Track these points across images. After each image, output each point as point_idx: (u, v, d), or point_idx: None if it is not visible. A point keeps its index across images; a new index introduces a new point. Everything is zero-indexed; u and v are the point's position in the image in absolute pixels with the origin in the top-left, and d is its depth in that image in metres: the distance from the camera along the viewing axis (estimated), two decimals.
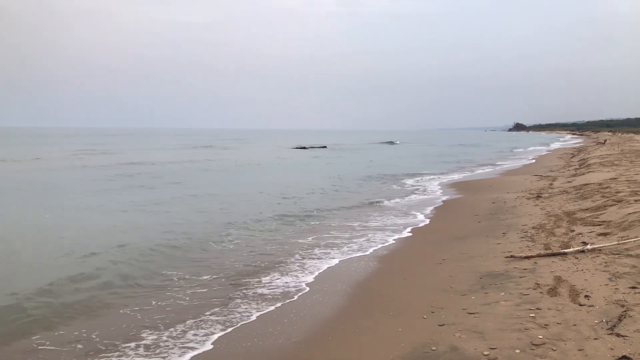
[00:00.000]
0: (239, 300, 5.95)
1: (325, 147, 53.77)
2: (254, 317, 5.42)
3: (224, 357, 4.53)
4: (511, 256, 6.83)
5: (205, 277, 6.89)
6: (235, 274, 7.05)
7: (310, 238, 9.34)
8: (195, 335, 4.99)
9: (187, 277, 6.90)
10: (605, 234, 7.45)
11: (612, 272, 5.58)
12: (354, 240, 9.13)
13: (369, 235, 9.55)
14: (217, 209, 12.44)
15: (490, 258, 6.99)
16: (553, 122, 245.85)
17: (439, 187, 17.66)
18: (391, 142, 71.14)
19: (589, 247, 6.69)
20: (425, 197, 15.13)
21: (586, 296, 4.96)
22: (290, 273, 7.06)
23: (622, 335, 3.99)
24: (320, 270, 7.16)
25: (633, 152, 25.45)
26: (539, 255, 6.64)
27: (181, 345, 4.76)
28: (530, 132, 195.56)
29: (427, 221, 10.93)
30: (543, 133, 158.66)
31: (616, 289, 5.04)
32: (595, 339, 4.01)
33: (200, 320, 5.34)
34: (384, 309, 5.43)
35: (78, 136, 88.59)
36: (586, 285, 5.26)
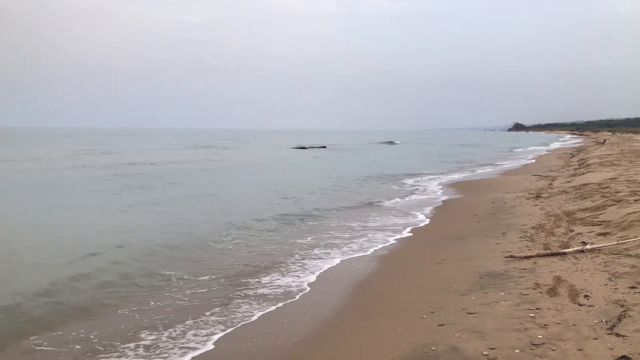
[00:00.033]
0: (239, 300, 5.95)
1: (324, 147, 53.77)
2: (255, 318, 5.41)
3: (226, 357, 4.53)
4: (511, 256, 6.84)
5: (205, 277, 6.89)
6: (235, 274, 7.05)
7: (309, 238, 9.34)
8: (195, 335, 4.98)
9: (186, 277, 6.90)
10: (604, 234, 7.46)
11: (611, 272, 5.58)
12: (354, 240, 9.13)
13: (369, 235, 9.55)
14: (216, 209, 12.44)
15: (489, 258, 6.99)
16: (553, 122, 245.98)
17: (439, 187, 17.67)
18: (391, 142, 71.16)
19: (588, 247, 6.69)
20: (425, 197, 15.14)
21: (586, 296, 4.96)
22: (291, 273, 7.06)
23: (621, 335, 4.00)
24: (321, 271, 7.16)
25: (632, 152, 25.46)
26: (539, 255, 6.65)
27: (181, 346, 4.76)
28: (529, 132, 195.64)
29: (427, 221, 10.93)
30: (542, 133, 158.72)
31: (616, 288, 5.04)
32: (595, 338, 4.01)
33: (201, 321, 5.34)
34: (384, 309, 5.43)
35: (78, 136, 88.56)
36: (586, 285, 5.26)
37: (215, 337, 4.92)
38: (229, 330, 5.09)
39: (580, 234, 7.74)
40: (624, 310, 4.43)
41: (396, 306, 5.46)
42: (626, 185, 11.68)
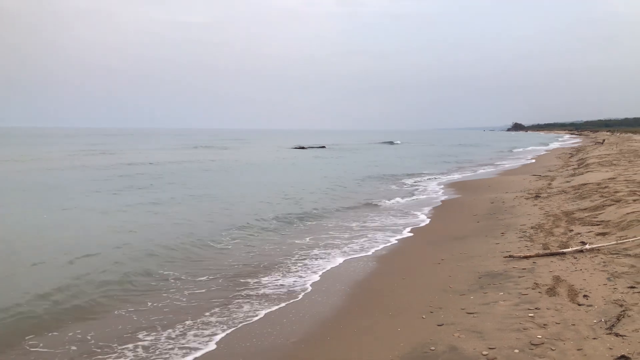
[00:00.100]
0: (239, 301, 5.95)
1: (324, 147, 53.75)
2: (257, 318, 5.41)
3: (228, 358, 4.52)
4: (510, 256, 6.84)
5: (205, 278, 6.89)
6: (235, 274, 7.04)
7: (309, 238, 9.35)
8: (196, 335, 4.96)
9: (186, 277, 6.90)
10: (603, 234, 7.47)
11: (610, 271, 5.59)
12: (354, 240, 9.14)
13: (369, 235, 9.55)
14: (216, 209, 12.44)
15: (489, 258, 7.00)
16: (552, 122, 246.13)
17: (438, 187, 17.68)
18: (391, 142, 71.15)
19: (587, 246, 6.70)
20: (424, 197, 15.15)
21: (585, 296, 4.97)
22: (292, 273, 7.06)
23: (620, 335, 4.00)
24: (322, 271, 7.15)
25: (631, 152, 25.49)
26: (538, 255, 6.66)
27: (181, 346, 4.74)
28: (528, 132, 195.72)
29: (427, 221, 10.94)
30: (542, 133, 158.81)
31: (615, 288, 5.05)
32: (594, 338, 4.01)
33: (201, 321, 5.33)
34: (384, 309, 5.43)
35: (78, 136, 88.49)
36: (585, 285, 5.27)
37: (217, 337, 4.91)
38: (229, 331, 5.08)
39: (579, 233, 7.74)
40: (623, 310, 4.44)
41: (396, 306, 5.46)
42: (625, 185, 11.69)
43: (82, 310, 5.69)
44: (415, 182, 19.67)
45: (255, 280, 6.76)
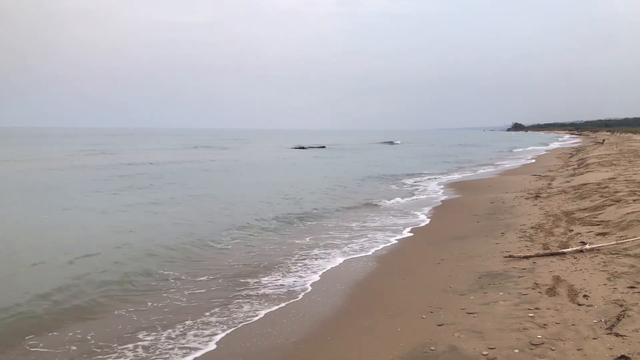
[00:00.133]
0: (240, 301, 5.94)
1: (324, 147, 53.74)
2: (257, 318, 5.40)
3: (228, 358, 4.52)
4: (510, 256, 6.85)
5: (205, 278, 6.89)
6: (235, 274, 7.04)
7: (308, 239, 9.34)
8: (196, 335, 4.96)
9: (186, 277, 6.90)
10: (603, 234, 7.47)
11: (610, 271, 5.59)
12: (354, 240, 9.14)
13: (369, 235, 9.56)
14: (216, 209, 12.44)
15: (489, 258, 7.00)
16: (552, 122, 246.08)
17: (438, 187, 17.68)
18: (391, 142, 71.13)
19: (587, 246, 6.70)
20: (424, 197, 15.15)
21: (585, 296, 4.97)
22: (292, 273, 7.06)
23: (620, 335, 4.00)
24: (323, 271, 7.16)
25: (631, 152, 25.50)
26: (538, 255, 6.66)
27: (182, 346, 4.74)
28: (528, 132, 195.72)
29: (427, 221, 10.94)
30: (542, 133, 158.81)
31: (615, 288, 5.05)
32: (594, 338, 4.02)
33: (201, 321, 5.32)
34: (384, 309, 5.43)
35: (77, 136, 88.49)
36: (585, 285, 5.27)
37: (217, 337, 4.91)
38: (229, 331, 5.08)
39: (579, 233, 7.74)
40: (623, 310, 4.44)
41: (396, 306, 5.46)
42: (625, 185, 11.70)
43: (82, 310, 5.68)
44: (415, 182, 19.67)
45: (256, 280, 6.76)
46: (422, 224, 10.65)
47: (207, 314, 5.54)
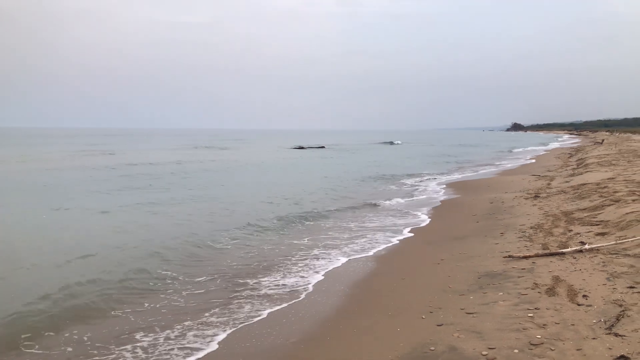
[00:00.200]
0: (242, 301, 5.93)
1: (323, 147, 53.72)
2: (259, 318, 5.39)
3: (230, 358, 4.51)
4: (509, 256, 6.85)
5: (205, 278, 6.88)
6: (237, 274, 7.03)
7: (308, 239, 9.34)
8: (197, 336, 4.94)
9: (186, 278, 6.88)
10: (603, 234, 7.47)
11: (610, 271, 5.60)
12: (354, 240, 9.13)
13: (369, 236, 9.56)
14: (216, 210, 12.44)
15: (488, 258, 7.00)
16: (551, 122, 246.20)
17: (438, 187, 17.69)
18: (391, 143, 71.09)
19: (587, 246, 6.70)
20: (424, 197, 15.15)
21: (584, 296, 4.97)
22: (293, 274, 7.05)
23: (620, 335, 4.01)
24: (322, 272, 7.15)
25: (630, 152, 25.52)
26: (537, 255, 6.66)
27: (182, 347, 4.72)
28: (528, 132, 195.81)
29: (426, 221, 10.95)
30: (541, 133, 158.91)
31: (614, 288, 5.05)
32: (594, 338, 4.02)
33: (203, 322, 5.31)
34: (383, 309, 5.44)
35: (77, 136, 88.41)
36: (584, 285, 5.28)
37: (219, 337, 4.90)
38: (229, 331, 5.07)
39: (578, 233, 7.75)
40: (623, 310, 4.44)
41: (395, 306, 5.46)
42: (624, 185, 11.71)
43: (78, 311, 5.60)
44: (415, 182, 19.68)
45: (257, 280, 6.75)
46: (422, 224, 10.65)
47: (207, 314, 5.53)
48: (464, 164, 30.24)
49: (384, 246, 8.67)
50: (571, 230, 8.04)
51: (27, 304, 5.64)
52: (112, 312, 5.63)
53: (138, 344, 4.76)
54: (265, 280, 6.74)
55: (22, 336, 4.91)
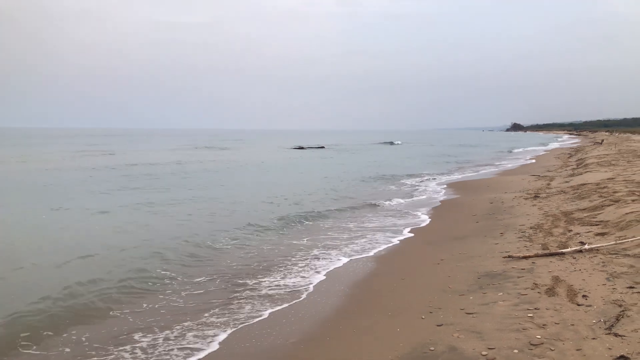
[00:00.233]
0: (243, 301, 5.93)
1: (323, 147, 53.71)
2: (260, 318, 5.39)
3: (233, 358, 4.50)
4: (509, 256, 6.85)
5: (205, 279, 6.87)
6: (237, 275, 7.02)
7: (309, 240, 9.34)
8: (197, 336, 4.93)
9: (185, 279, 6.88)
10: (602, 234, 7.48)
11: (609, 272, 5.60)
12: (354, 241, 9.13)
13: (369, 236, 9.56)
14: (216, 210, 12.43)
15: (488, 258, 7.01)
16: (551, 122, 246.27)
17: (438, 187, 17.69)
18: (391, 143, 71.04)
19: (586, 247, 6.71)
20: (424, 197, 15.16)
21: (584, 296, 4.97)
22: (294, 274, 7.05)
23: (620, 335, 4.01)
24: (323, 272, 7.15)
25: (630, 152, 25.53)
26: (537, 255, 6.66)
27: (183, 347, 4.71)
28: (527, 132, 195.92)
29: (427, 222, 10.95)
30: (541, 133, 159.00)
31: (614, 288, 5.05)
32: (593, 338, 4.02)
33: (204, 322, 5.30)
34: (383, 309, 5.44)
35: (78, 136, 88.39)
36: (584, 285, 5.28)
37: (221, 337, 4.89)
38: (230, 331, 5.07)
39: (578, 234, 7.75)
40: (622, 310, 4.45)
41: (395, 306, 5.47)
42: (624, 185, 11.71)
43: (77, 312, 5.56)
44: (415, 182, 19.68)
45: (258, 281, 6.74)
46: (422, 225, 10.65)
47: (207, 314, 5.52)
48: (464, 164, 30.24)
49: (384, 246, 8.67)
50: (571, 231, 8.04)
51: (26, 304, 5.61)
52: (111, 313, 5.61)
53: (137, 345, 4.74)
54: (265, 281, 6.73)
55: (21, 336, 4.88)
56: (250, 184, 19.08)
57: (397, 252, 8.31)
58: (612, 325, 4.19)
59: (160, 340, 4.85)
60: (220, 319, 5.39)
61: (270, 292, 6.26)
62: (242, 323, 5.28)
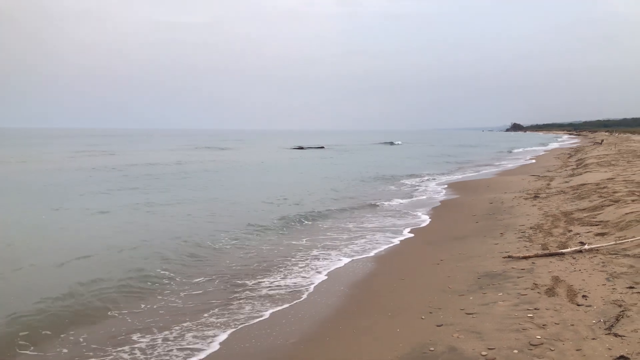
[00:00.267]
0: (242, 301, 5.93)
1: (322, 147, 53.69)
2: (261, 318, 5.38)
3: (235, 358, 4.50)
4: (509, 256, 6.85)
5: (205, 279, 6.86)
6: (238, 275, 7.01)
7: (308, 240, 9.34)
8: (195, 337, 4.92)
9: (184, 279, 6.87)
10: (602, 234, 7.48)
11: (609, 272, 5.60)
12: (354, 241, 9.13)
13: (369, 236, 9.55)
14: (216, 210, 12.43)
15: (488, 258, 7.00)
16: (551, 122, 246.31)
17: (438, 187, 17.69)
18: (391, 143, 71.00)
19: (586, 247, 6.71)
20: (424, 197, 15.16)
21: (584, 296, 4.97)
22: (292, 275, 7.04)
23: (619, 335, 4.01)
24: (324, 272, 7.14)
25: (630, 152, 25.54)
26: (537, 256, 6.66)
27: (183, 347, 4.70)
28: (527, 132, 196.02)
29: (426, 222, 10.95)
30: (540, 133, 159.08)
31: (614, 289, 5.05)
32: (593, 339, 4.02)
33: (204, 322, 5.29)
34: (383, 309, 5.43)
35: (78, 137, 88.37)
36: (584, 286, 5.28)
37: (222, 338, 4.88)
38: (231, 331, 5.07)
39: (578, 234, 7.75)
40: (622, 310, 4.44)
41: (395, 306, 5.46)
42: (624, 185, 11.71)
43: (74, 312, 5.53)
44: (415, 182, 19.69)
45: (258, 281, 6.74)
46: (422, 225, 10.65)
47: (206, 314, 5.51)
48: (464, 164, 30.25)
49: (384, 247, 8.67)
50: (571, 231, 8.04)
51: (24, 304, 5.60)
52: (109, 313, 5.59)
53: (136, 346, 4.73)
54: (265, 281, 6.72)
55: (19, 336, 4.85)
56: (250, 184, 19.08)
57: (398, 252, 8.31)
58: (612, 326, 4.19)
59: (160, 341, 4.84)
60: (220, 319, 5.38)
61: (270, 293, 6.25)
62: (242, 323, 5.27)
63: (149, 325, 5.23)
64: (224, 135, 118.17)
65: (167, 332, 5.04)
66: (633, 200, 9.23)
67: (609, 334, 4.07)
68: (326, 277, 6.90)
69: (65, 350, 4.65)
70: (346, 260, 7.80)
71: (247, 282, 6.71)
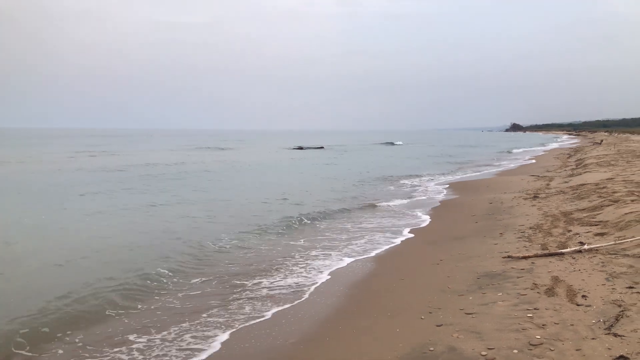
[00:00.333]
0: (243, 301, 5.93)
1: (322, 147, 53.69)
2: (263, 318, 5.39)
3: (237, 358, 4.50)
4: (508, 256, 6.85)
5: (205, 279, 6.86)
6: (238, 275, 7.01)
7: (308, 240, 9.34)
8: (194, 337, 4.92)
9: (184, 280, 6.87)
10: (602, 234, 7.48)
11: (609, 272, 5.60)
12: (354, 242, 9.13)
13: (369, 236, 9.56)
14: (216, 211, 12.43)
15: (487, 258, 7.01)
16: (551, 122, 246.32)
17: (438, 187, 17.70)
18: (391, 143, 70.96)
19: (586, 247, 6.71)
20: (424, 197, 15.16)
21: (583, 296, 4.98)
22: (292, 275, 7.04)
23: (619, 335, 4.01)
24: (325, 272, 7.14)
25: (629, 152, 25.55)
26: (536, 256, 6.67)
27: (183, 348, 4.70)
28: (527, 132, 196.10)
29: (426, 222, 10.95)
30: (540, 133, 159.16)
31: (613, 289, 5.06)
32: (593, 339, 4.02)
33: (205, 322, 5.29)
34: (382, 309, 5.44)
35: (78, 137, 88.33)
36: (583, 285, 5.28)
37: (222, 338, 4.88)
38: (231, 332, 5.07)
39: (577, 234, 7.76)
40: (622, 310, 4.45)
41: (394, 307, 5.47)
42: (623, 185, 11.72)
43: (75, 312, 5.52)
44: (415, 182, 19.69)
45: (258, 281, 6.74)
46: (422, 225, 10.65)
47: (205, 315, 5.52)
48: (463, 164, 30.26)
49: (384, 247, 8.67)
50: (570, 231, 8.05)
51: (21, 305, 5.58)
52: (107, 313, 5.57)
53: (134, 346, 4.71)
54: (265, 281, 6.73)
55: (15, 336, 4.81)
56: (250, 184, 19.08)
57: (397, 252, 8.32)
58: (611, 326, 4.19)
59: (158, 341, 4.84)
60: (220, 320, 5.38)
61: (270, 293, 6.26)
62: (242, 324, 5.28)
63: (147, 326, 5.22)
64: (224, 135, 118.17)
65: (165, 333, 5.04)
66: (632, 200, 9.24)
67: (608, 333, 4.07)
68: (326, 278, 6.91)
69: (60, 351, 4.62)
70: (347, 260, 7.81)
71: (246, 282, 6.71)
